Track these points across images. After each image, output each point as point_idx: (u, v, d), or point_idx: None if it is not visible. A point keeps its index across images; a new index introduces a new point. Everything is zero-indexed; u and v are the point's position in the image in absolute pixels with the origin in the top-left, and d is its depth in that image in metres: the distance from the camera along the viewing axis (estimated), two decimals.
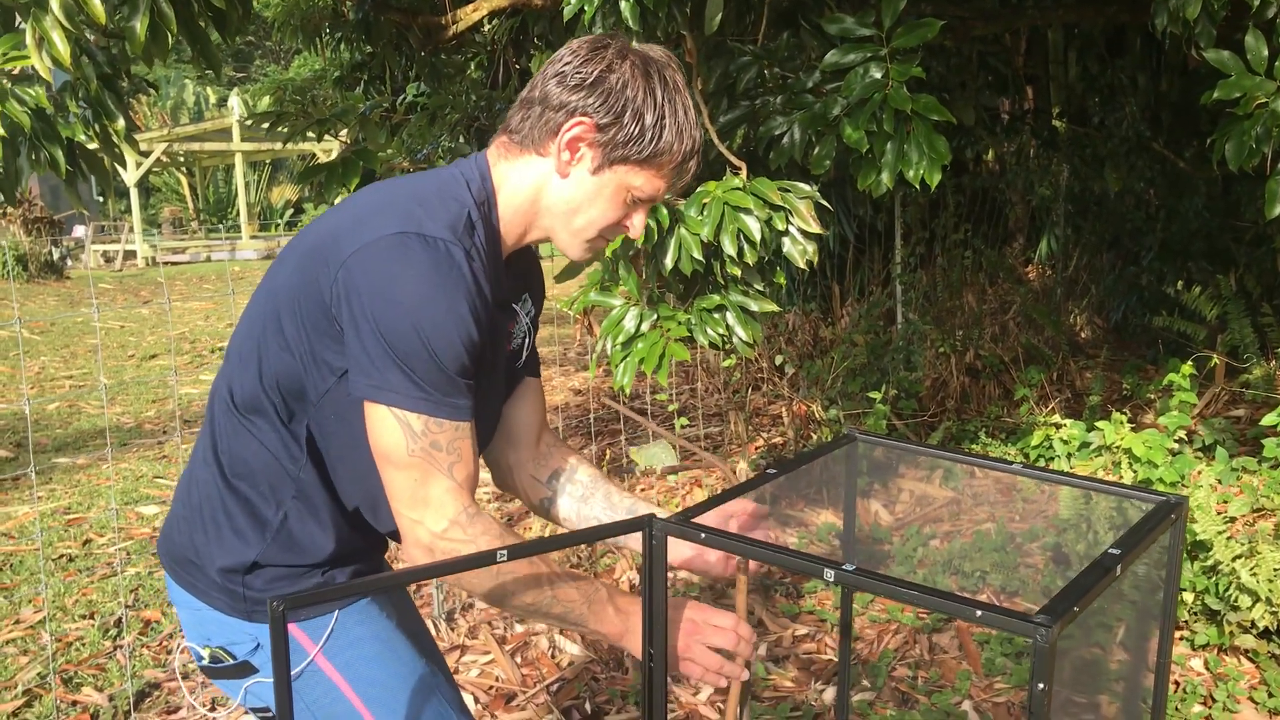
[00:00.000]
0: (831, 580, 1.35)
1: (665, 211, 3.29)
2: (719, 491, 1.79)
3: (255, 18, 6.24)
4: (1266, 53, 3.40)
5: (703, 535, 1.51)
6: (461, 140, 4.38)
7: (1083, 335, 9.11)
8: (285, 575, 1.64)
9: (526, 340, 1.82)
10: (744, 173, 3.52)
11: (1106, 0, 5.18)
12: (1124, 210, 7.67)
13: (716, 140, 3.64)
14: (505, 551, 1.40)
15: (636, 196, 1.61)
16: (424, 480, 1.47)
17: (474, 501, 1.52)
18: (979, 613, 1.22)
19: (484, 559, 1.34)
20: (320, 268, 1.48)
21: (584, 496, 1.88)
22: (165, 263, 23.32)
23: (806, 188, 3.41)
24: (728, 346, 3.51)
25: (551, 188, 1.60)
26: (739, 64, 3.80)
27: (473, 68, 4.95)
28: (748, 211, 3.28)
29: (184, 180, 32.43)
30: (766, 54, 3.81)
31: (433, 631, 3.51)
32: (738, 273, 3.37)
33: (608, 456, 5.75)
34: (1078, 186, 7.59)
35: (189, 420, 7.51)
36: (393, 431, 1.45)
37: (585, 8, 3.38)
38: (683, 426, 5.27)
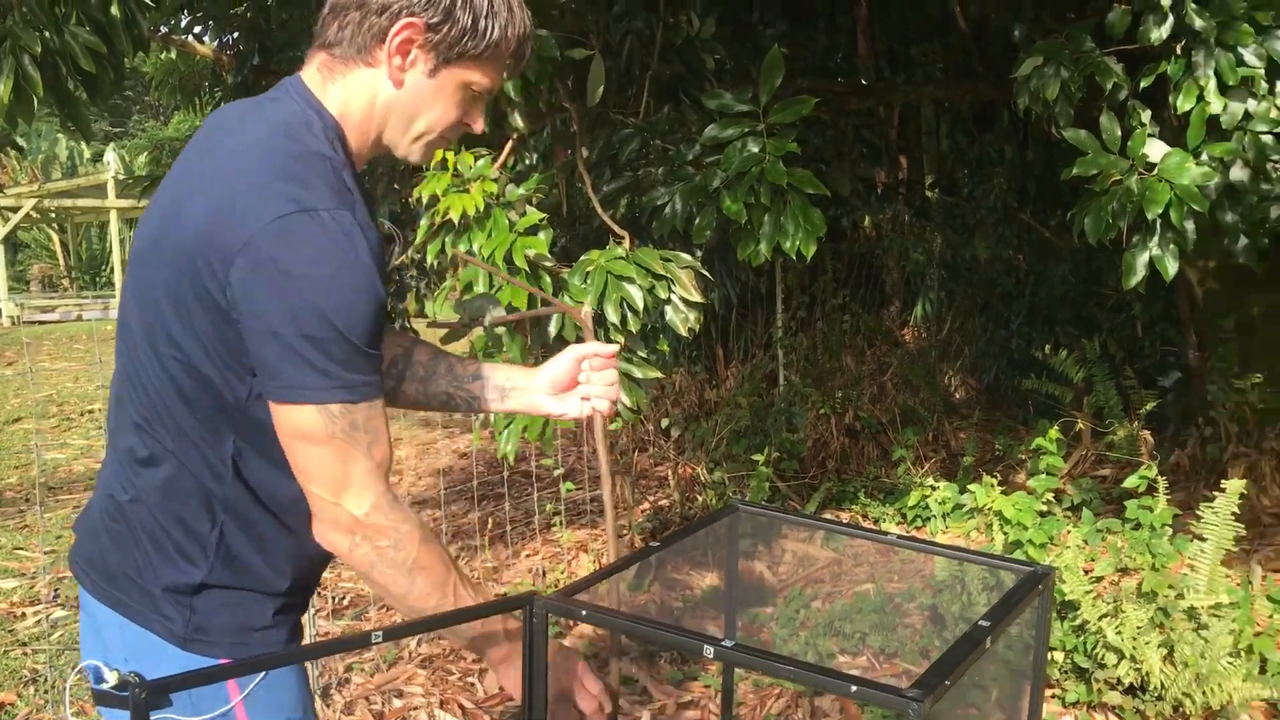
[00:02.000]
0: (711, 656, 1.36)
1: (548, 279, 3.31)
2: (600, 567, 1.79)
3: (133, 73, 6.11)
4: (1119, 132, 3.59)
5: (584, 613, 1.51)
6: None
7: (957, 395, 9.37)
8: (236, 601, 1.53)
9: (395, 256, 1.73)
10: (627, 242, 3.56)
11: (974, 78, 5.44)
12: (994, 276, 7.97)
13: (600, 209, 3.69)
14: (380, 633, 1.38)
15: (475, 91, 1.54)
16: (344, 460, 1.40)
17: (389, 486, 1.46)
18: (854, 688, 1.25)
19: (395, 632, 1.32)
20: (204, 270, 1.38)
21: (425, 377, 1.84)
22: (33, 322, 22.45)
23: (688, 257, 3.46)
24: (613, 413, 3.53)
25: (387, 98, 1.50)
26: (621, 136, 3.87)
27: None
28: (631, 280, 3.31)
29: (55, 237, 31.36)
30: (648, 127, 3.88)
31: None
32: (621, 340, 3.39)
33: (490, 524, 5.70)
34: (950, 253, 7.86)
35: (54, 487, 7.20)
36: (310, 418, 1.38)
37: None
38: (569, 491, 5.26)
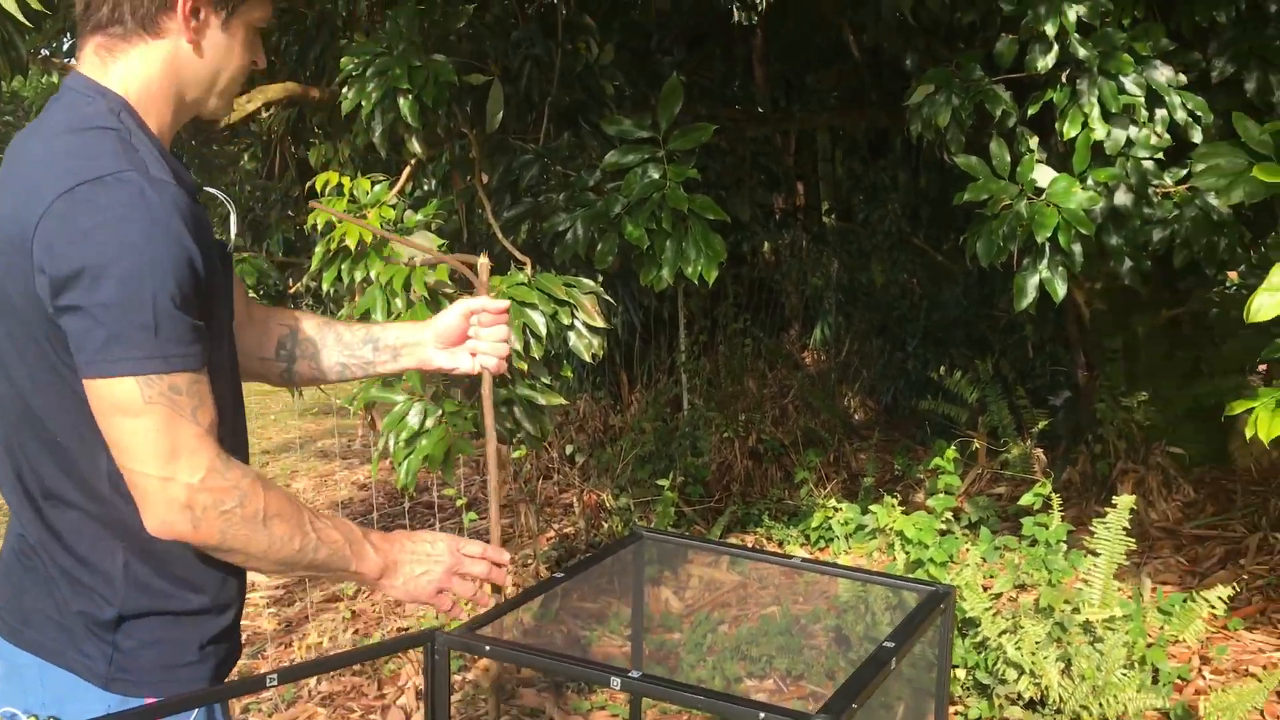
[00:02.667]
0: (619, 688, 1.34)
1: (448, 305, 3.26)
2: (506, 599, 1.76)
3: (13, 97, 5.90)
4: (1009, 158, 3.69)
5: (488, 648, 1.48)
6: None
7: (857, 417, 9.50)
8: (158, 637, 1.47)
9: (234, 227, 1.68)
10: (529, 268, 3.54)
11: (867, 105, 5.54)
12: (890, 299, 8.13)
13: (501, 236, 3.66)
14: (275, 675, 1.33)
15: (258, 27, 1.55)
16: (169, 428, 1.33)
17: (220, 449, 1.39)
18: (761, 715, 1.24)
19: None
20: (19, 268, 1.35)
21: (314, 354, 1.82)
22: None
23: (590, 283, 3.45)
24: (516, 440, 3.49)
25: (186, 64, 1.49)
26: (521, 161, 3.85)
27: (246, 158, 4.82)
28: (533, 307, 3.28)
29: None
30: (548, 152, 3.87)
31: None
32: (524, 367, 3.36)
33: None
34: (847, 277, 7.99)
35: None
36: (126, 390, 1.31)
37: (363, 103, 3.36)
38: (471, 521, 5.19)
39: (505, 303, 1.83)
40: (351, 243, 3.09)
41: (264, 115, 4.87)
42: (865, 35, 5.56)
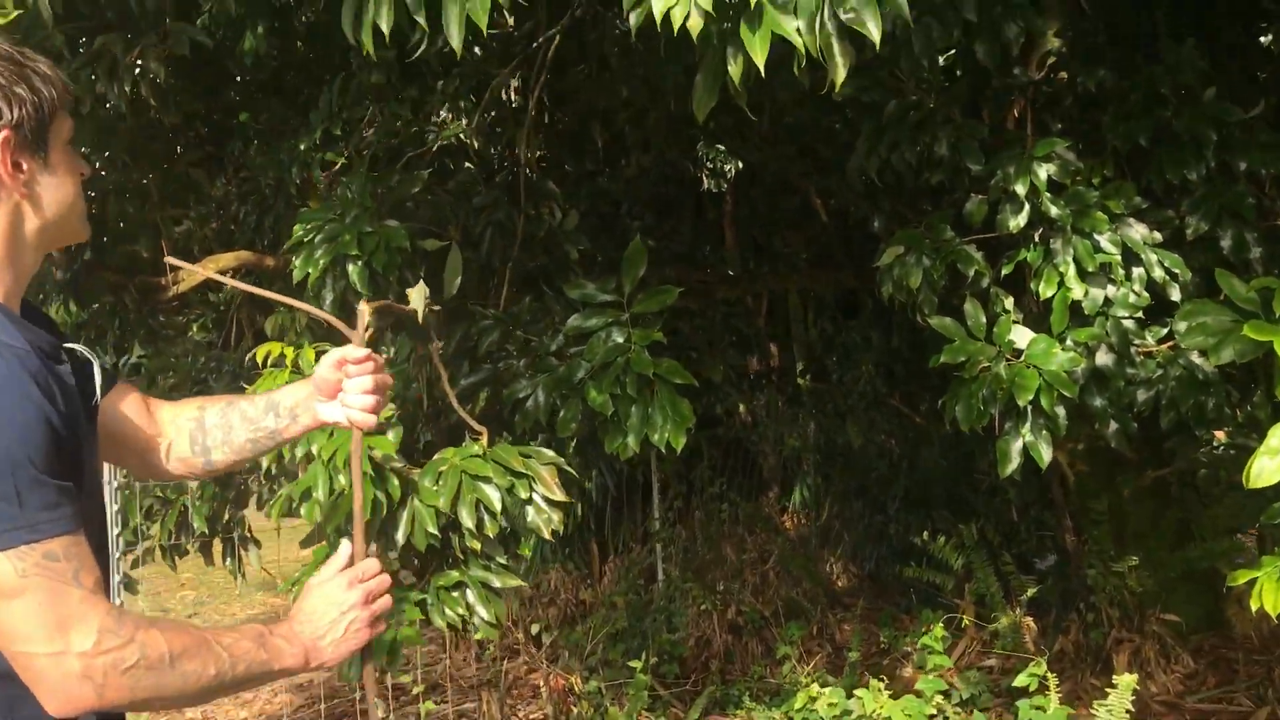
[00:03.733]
0: None
1: (396, 481, 3.05)
2: None
3: None
4: (984, 319, 3.56)
5: None
6: None
7: (840, 583, 9.22)
8: None
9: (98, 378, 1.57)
10: (484, 438, 3.35)
11: (836, 267, 5.48)
12: (869, 460, 7.94)
13: (456, 404, 3.48)
14: None
15: (70, 141, 1.50)
16: (51, 600, 1.25)
17: (110, 604, 1.32)
18: None
19: None
20: None
21: (227, 438, 1.77)
22: None
23: (549, 453, 3.26)
24: (469, 627, 3.24)
25: (27, 219, 1.43)
26: (480, 327, 3.70)
27: (195, 329, 4.66)
28: (487, 480, 3.08)
29: None
30: (509, 318, 3.72)
31: None
32: (478, 546, 3.13)
33: None
34: (824, 438, 7.83)
35: None
36: None
37: (310, 270, 3.22)
38: (428, 713, 4.84)
39: (365, 351, 1.73)
40: None
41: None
42: (832, 199, 5.55)
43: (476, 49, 4.46)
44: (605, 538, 8.50)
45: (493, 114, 4.42)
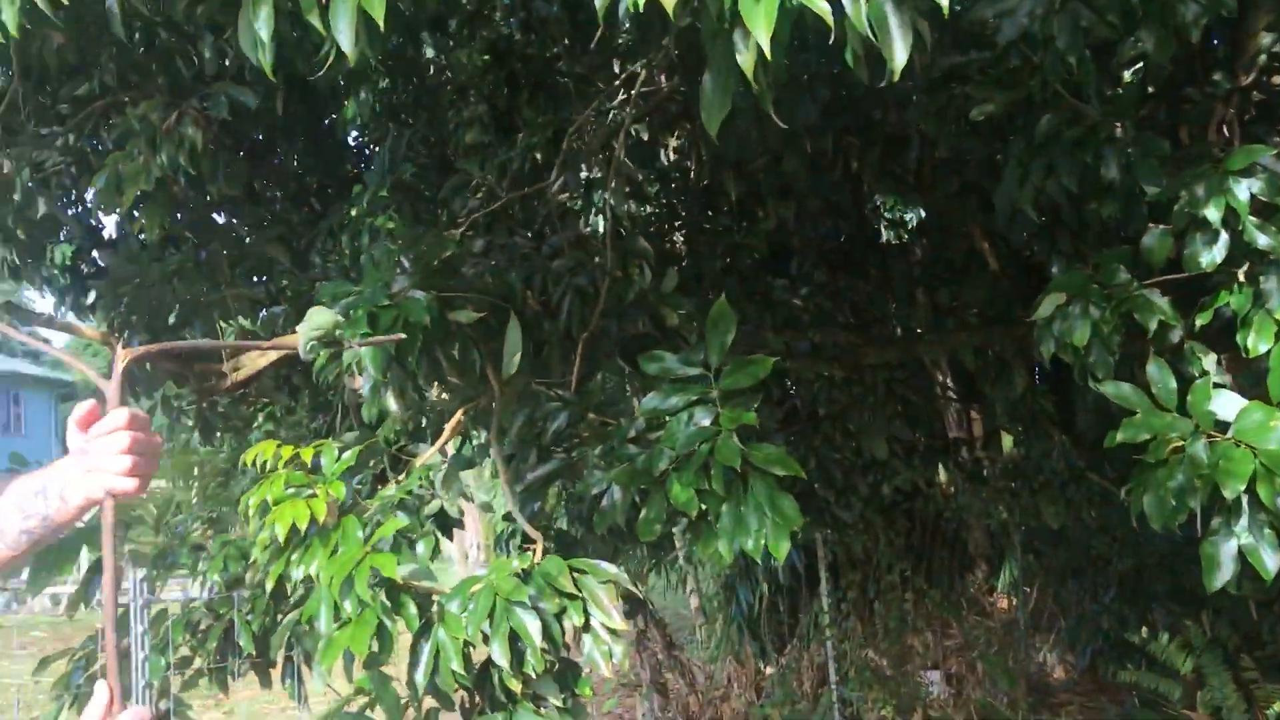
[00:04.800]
0: None
1: (413, 609, 2.49)
2: None
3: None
4: (1174, 385, 2.74)
5: None
6: None
7: (1054, 676, 8.16)
8: None
9: None
10: (537, 549, 2.77)
11: (1012, 321, 4.66)
12: (1083, 536, 6.93)
13: (512, 504, 2.92)
14: None
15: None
16: None
17: None
18: None
19: None
20: None
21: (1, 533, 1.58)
22: None
23: (609, 569, 2.65)
24: None
25: None
26: (546, 410, 3.13)
27: (261, 419, 4.32)
28: (524, 605, 2.49)
29: None
30: (581, 398, 3.14)
31: None
32: (517, 687, 2.53)
33: None
34: (1020, 514, 6.89)
35: None
36: None
37: (318, 356, 2.73)
38: None
39: (122, 411, 1.43)
40: (282, 531, 2.39)
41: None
42: (1000, 243, 4.76)
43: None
44: (770, 630, 7.81)
45: (585, 169, 3.89)
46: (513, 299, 3.24)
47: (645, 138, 6.38)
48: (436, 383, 2.89)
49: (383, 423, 3.96)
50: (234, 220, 4.37)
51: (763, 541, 2.78)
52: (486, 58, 4.07)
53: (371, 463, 3.84)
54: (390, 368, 2.66)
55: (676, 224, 5.72)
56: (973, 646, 7.32)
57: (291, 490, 2.55)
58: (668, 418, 2.95)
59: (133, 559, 3.28)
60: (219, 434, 4.14)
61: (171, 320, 4.02)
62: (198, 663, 3.23)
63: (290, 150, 5.08)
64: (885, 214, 7.85)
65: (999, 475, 6.35)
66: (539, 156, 3.68)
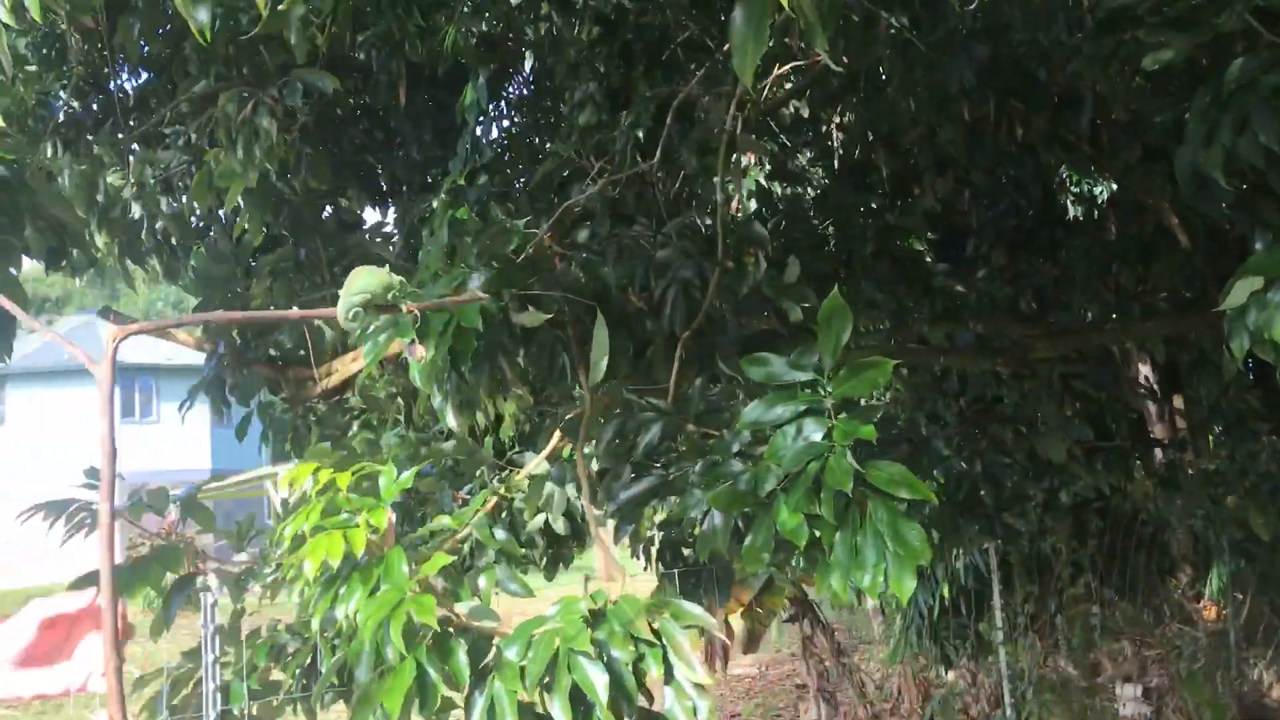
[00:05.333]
0: None
1: (463, 658, 2.17)
2: None
3: None
4: None
5: None
6: None
7: (1271, 695, 7.33)
8: None
9: None
10: (619, 582, 2.41)
11: (1207, 308, 4.03)
12: None
13: (594, 528, 2.58)
14: None
15: None
16: None
17: None
18: None
19: None
20: None
21: None
22: None
23: (693, 610, 2.27)
24: None
25: None
26: (639, 421, 2.77)
27: (356, 428, 4.10)
28: (587, 656, 2.14)
29: None
30: (680, 407, 2.77)
31: None
32: None
33: None
34: (1232, 526, 6.13)
35: None
36: None
37: (370, 360, 2.44)
38: None
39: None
40: (313, 568, 2.11)
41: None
42: (1196, 215, 4.12)
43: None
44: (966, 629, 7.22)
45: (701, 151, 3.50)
46: (606, 296, 2.89)
47: (805, 114, 5.94)
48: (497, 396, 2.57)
49: (487, 431, 3.69)
50: (343, 218, 4.20)
51: (881, 579, 2.35)
52: (598, 29, 3.73)
53: (479, 473, 3.57)
54: (446, 377, 2.36)
55: (824, 205, 5.26)
56: (1176, 658, 6.60)
57: (339, 517, 2.28)
58: (773, 430, 2.54)
59: (219, 578, 3.10)
60: (316, 444, 3.98)
61: (254, 328, 3.87)
62: (284, 689, 3.05)
63: (419, 142, 4.88)
64: (1071, 189, 7.16)
65: (1198, 480, 5.63)
66: (641, 135, 3.31)
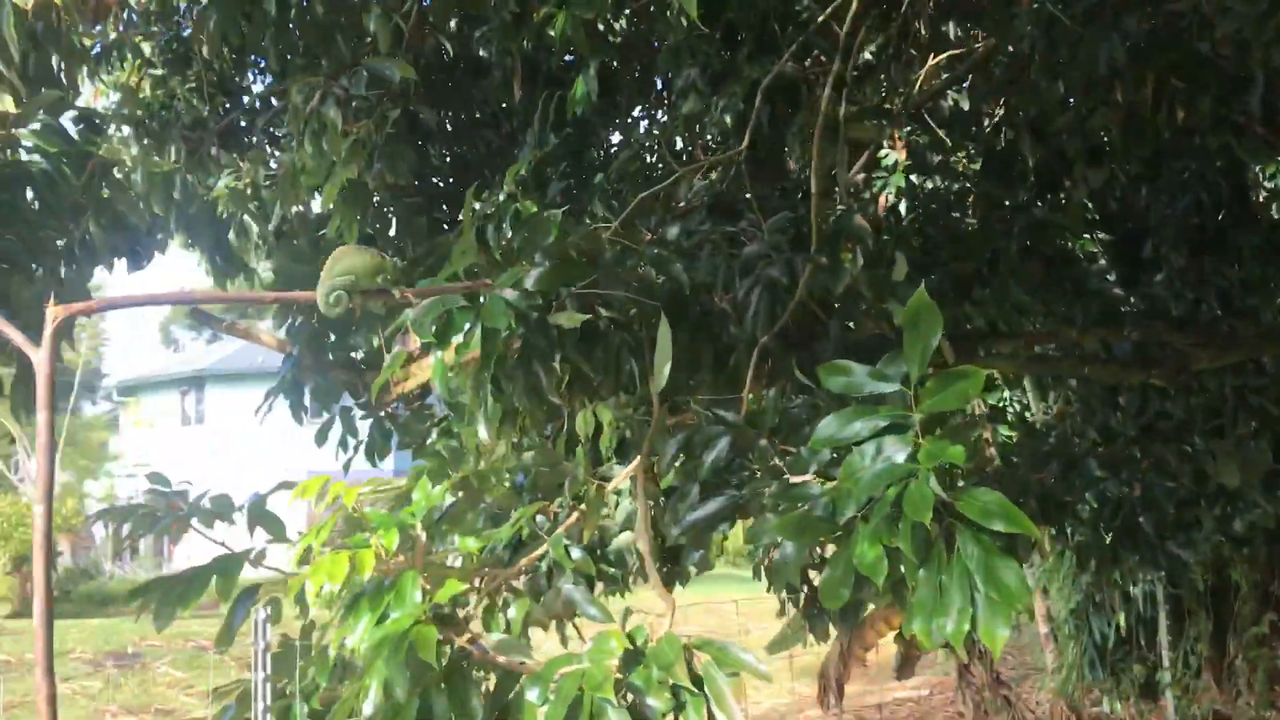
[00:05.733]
0: None
1: (476, 703, 1.94)
2: None
3: None
4: None
5: None
6: None
7: None
8: None
9: None
10: (669, 613, 2.15)
11: None
12: None
13: (646, 554, 2.32)
14: None
15: None
16: None
17: None
18: None
19: None
20: None
21: None
22: None
23: (740, 655, 1.98)
24: None
25: None
26: (706, 435, 2.49)
27: (436, 435, 3.88)
28: (614, 704, 1.88)
29: None
30: (750, 420, 2.48)
31: None
32: None
33: None
34: None
35: None
36: None
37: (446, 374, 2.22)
38: None
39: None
40: (313, 592, 1.92)
41: None
42: None
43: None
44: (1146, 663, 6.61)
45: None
46: (681, 296, 2.62)
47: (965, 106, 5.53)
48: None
49: (581, 440, 3.47)
50: (437, 217, 4.06)
51: (966, 625, 2.01)
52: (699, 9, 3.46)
53: (565, 484, 3.34)
54: (479, 386, 2.13)
55: (968, 200, 4.85)
56: None
57: (360, 536, 2.08)
58: (850, 449, 2.23)
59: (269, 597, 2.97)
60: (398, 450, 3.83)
61: (333, 329, 3.75)
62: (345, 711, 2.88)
63: (531, 137, 4.71)
64: (1265, 182, 6.48)
65: None
66: (730, 120, 3.03)
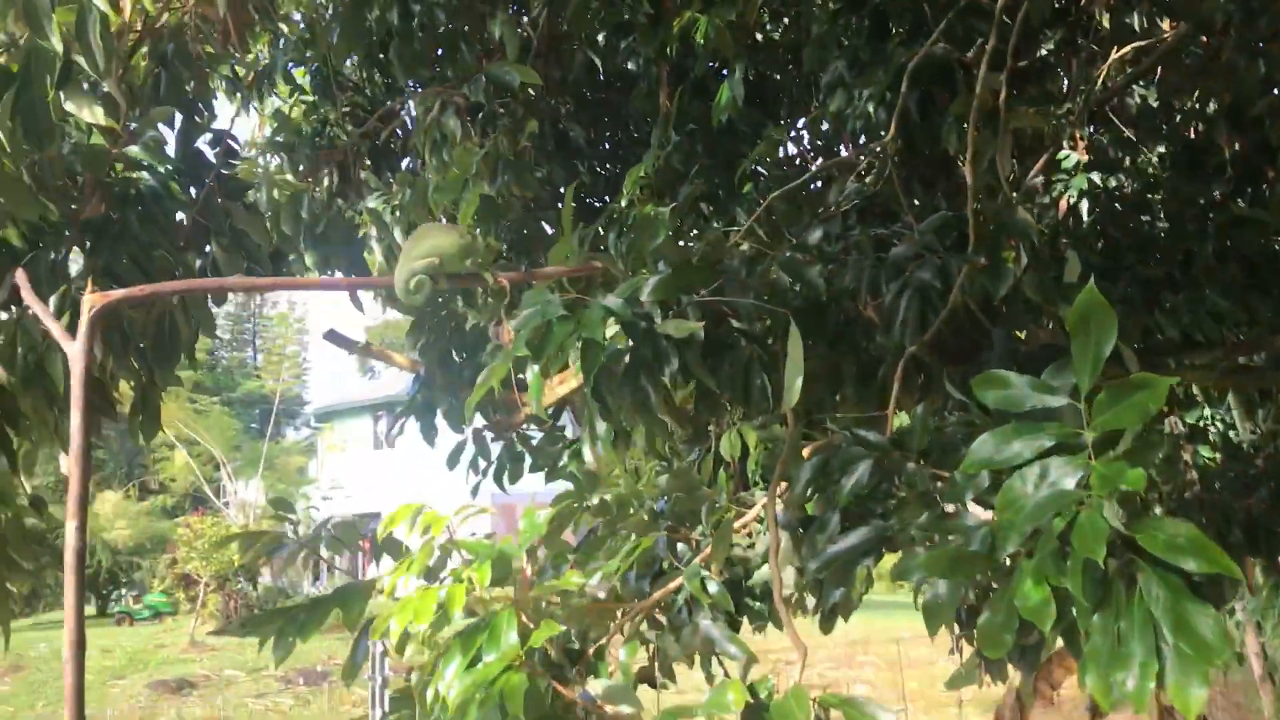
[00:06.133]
0: None
1: None
2: None
3: None
4: None
5: None
6: None
7: None
8: None
9: None
10: (800, 664, 1.90)
11: None
12: None
13: (777, 591, 2.08)
14: None
15: None
16: None
17: None
18: None
19: None
20: None
21: None
22: None
23: (880, 713, 1.71)
24: None
25: None
26: (844, 457, 2.22)
27: (567, 458, 3.67)
28: None
29: None
30: (896, 440, 2.21)
31: None
32: None
33: None
34: None
35: None
36: None
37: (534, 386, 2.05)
38: None
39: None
40: (394, 633, 1.75)
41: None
42: None
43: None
44: None
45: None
46: (815, 303, 2.38)
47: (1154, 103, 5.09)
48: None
49: (727, 462, 3.25)
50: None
51: (1150, 682, 1.68)
52: None
53: (703, 511, 3.12)
54: (584, 404, 1.93)
55: (1156, 199, 4.41)
56: None
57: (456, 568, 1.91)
58: (1009, 473, 1.93)
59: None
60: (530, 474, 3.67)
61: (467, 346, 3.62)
62: None
63: (682, 146, 4.52)
64: None
65: None
66: (872, 111, 2.76)
